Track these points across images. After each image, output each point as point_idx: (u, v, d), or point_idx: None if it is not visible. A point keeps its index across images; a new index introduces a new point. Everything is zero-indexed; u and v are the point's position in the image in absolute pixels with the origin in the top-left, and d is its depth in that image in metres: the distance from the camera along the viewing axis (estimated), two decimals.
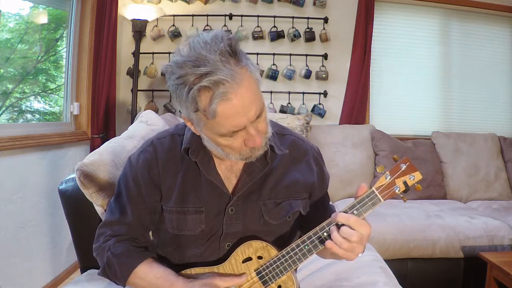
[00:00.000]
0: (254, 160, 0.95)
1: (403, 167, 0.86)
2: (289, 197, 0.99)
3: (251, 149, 0.86)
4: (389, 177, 0.86)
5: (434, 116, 3.33)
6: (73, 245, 1.32)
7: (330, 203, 1.11)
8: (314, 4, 3.10)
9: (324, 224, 0.88)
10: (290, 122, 2.73)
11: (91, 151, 1.65)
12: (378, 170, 0.87)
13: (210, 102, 0.76)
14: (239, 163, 0.97)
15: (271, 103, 3.08)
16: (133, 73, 2.88)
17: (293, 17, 3.03)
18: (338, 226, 0.84)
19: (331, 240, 0.83)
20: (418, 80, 3.29)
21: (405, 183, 0.86)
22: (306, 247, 0.88)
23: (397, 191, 0.86)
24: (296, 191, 0.99)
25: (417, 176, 0.86)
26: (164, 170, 0.97)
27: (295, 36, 3.04)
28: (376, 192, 0.86)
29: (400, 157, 0.88)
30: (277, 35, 3.04)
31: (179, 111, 0.90)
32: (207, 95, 0.76)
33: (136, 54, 2.85)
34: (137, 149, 1.03)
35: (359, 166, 2.79)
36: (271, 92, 3.06)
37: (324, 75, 3.11)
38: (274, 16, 3.02)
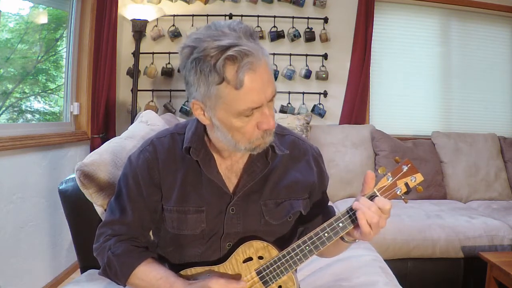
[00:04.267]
0: (255, 160, 0.95)
1: (405, 168, 0.86)
2: (289, 197, 0.99)
3: (262, 135, 0.86)
4: (391, 178, 0.86)
5: (434, 116, 3.33)
6: (73, 245, 1.32)
7: (330, 203, 1.11)
8: (314, 4, 3.10)
9: (325, 224, 0.88)
10: (290, 122, 2.73)
11: (91, 151, 1.65)
12: (379, 172, 0.87)
13: (237, 71, 0.77)
14: (240, 163, 0.97)
15: None
16: (133, 73, 2.88)
17: (293, 17, 3.03)
18: (352, 218, 0.86)
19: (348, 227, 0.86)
20: (418, 80, 3.29)
21: (406, 184, 0.86)
22: (307, 247, 0.88)
23: (398, 192, 0.86)
24: (297, 191, 0.99)
25: (419, 177, 0.86)
26: (164, 170, 0.97)
27: (295, 36, 3.04)
28: (378, 194, 0.86)
29: (401, 158, 0.88)
30: (277, 35, 3.04)
31: (187, 95, 0.88)
32: (233, 66, 0.77)
33: (136, 54, 2.85)
34: (137, 148, 1.03)
35: (359, 166, 2.79)
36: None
37: (324, 75, 3.11)
38: (274, 16, 3.02)
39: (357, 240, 0.92)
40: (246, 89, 0.78)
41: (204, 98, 0.83)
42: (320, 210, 1.05)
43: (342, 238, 0.92)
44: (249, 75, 0.78)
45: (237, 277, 0.92)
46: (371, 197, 0.85)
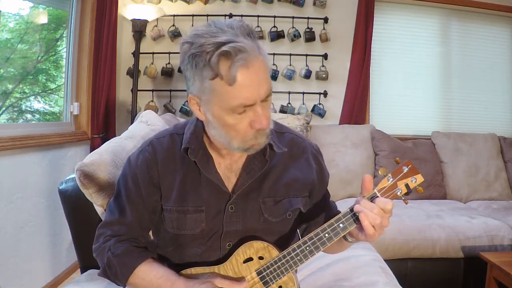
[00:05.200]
0: (253, 158, 0.95)
1: (405, 169, 0.86)
2: (288, 195, 0.99)
3: (255, 135, 0.86)
4: (391, 179, 0.86)
5: (434, 116, 3.33)
6: (73, 245, 1.32)
7: (331, 200, 1.11)
8: (314, 4, 3.10)
9: (325, 225, 0.88)
10: (290, 122, 2.73)
11: (91, 151, 1.65)
12: (380, 173, 0.87)
13: (230, 67, 0.78)
14: (239, 162, 0.97)
15: (271, 103, 3.07)
16: (133, 73, 2.88)
17: (293, 17, 3.03)
18: (353, 219, 0.86)
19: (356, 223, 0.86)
20: (418, 80, 3.29)
21: (407, 185, 0.86)
22: (307, 248, 0.88)
23: (398, 193, 0.86)
24: (296, 189, 0.99)
25: (419, 178, 0.86)
26: (163, 170, 0.97)
27: (295, 36, 3.04)
28: (378, 194, 0.86)
29: (401, 158, 0.88)
30: (277, 35, 3.04)
31: (187, 92, 0.89)
32: (227, 61, 0.78)
33: (136, 54, 2.85)
34: (137, 149, 1.03)
35: (359, 166, 2.79)
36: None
37: (324, 75, 3.11)
38: (274, 16, 3.02)
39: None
40: (238, 85, 0.79)
41: (199, 92, 0.84)
42: (322, 206, 1.05)
43: (345, 238, 0.92)
44: (242, 71, 0.78)
45: (239, 278, 0.92)
46: (372, 198, 0.86)
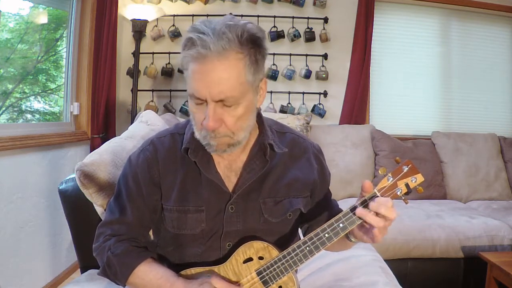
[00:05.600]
0: (254, 158, 0.96)
1: (405, 169, 0.86)
2: (289, 195, 0.99)
3: (206, 133, 0.86)
4: (391, 179, 0.86)
5: (434, 116, 3.33)
6: (73, 245, 1.32)
7: (333, 199, 1.11)
8: (314, 4, 3.10)
9: (325, 225, 0.88)
10: (290, 122, 2.73)
11: (91, 151, 1.65)
12: (380, 172, 0.87)
13: (189, 52, 0.81)
14: (238, 162, 0.97)
15: (271, 103, 3.08)
16: (133, 73, 2.88)
17: (293, 17, 3.03)
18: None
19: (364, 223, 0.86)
20: (418, 80, 3.29)
21: (407, 185, 0.86)
22: (307, 248, 0.88)
23: (398, 193, 0.86)
24: (297, 189, 0.99)
25: (419, 178, 0.86)
26: (164, 169, 0.97)
27: (295, 36, 3.04)
28: (378, 194, 0.86)
29: (401, 158, 0.88)
30: (277, 35, 3.04)
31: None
32: (191, 48, 0.81)
33: (136, 54, 2.85)
34: (137, 148, 1.03)
35: (359, 166, 2.79)
36: (271, 92, 3.06)
37: (324, 75, 3.11)
38: (274, 16, 3.02)
39: None
40: (190, 73, 0.83)
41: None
42: (324, 206, 1.05)
43: (347, 237, 0.92)
44: (194, 62, 0.81)
45: (237, 278, 0.92)
46: (372, 197, 0.86)
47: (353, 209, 0.86)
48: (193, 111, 0.87)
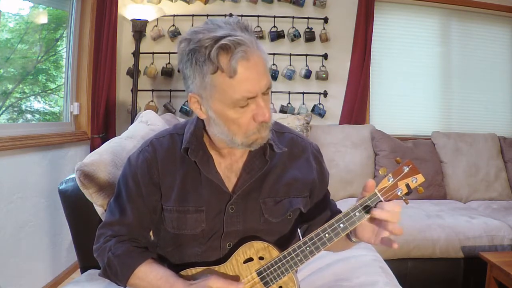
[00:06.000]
0: (254, 158, 0.96)
1: (406, 169, 0.86)
2: (289, 195, 0.99)
3: (258, 128, 0.86)
4: (392, 179, 0.86)
5: (434, 116, 3.33)
6: (73, 245, 1.32)
7: (331, 199, 1.11)
8: (314, 4, 3.10)
9: (326, 225, 0.88)
10: (290, 122, 2.73)
11: (91, 151, 1.65)
12: (380, 173, 0.87)
13: (230, 59, 0.78)
14: (239, 162, 0.97)
15: (271, 103, 3.07)
16: (133, 73, 2.88)
17: (293, 17, 3.03)
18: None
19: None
20: (418, 80, 3.29)
21: (407, 185, 0.86)
22: (307, 248, 0.88)
23: (399, 193, 0.86)
24: (296, 189, 1.00)
25: (420, 178, 0.86)
26: (164, 169, 0.97)
27: (295, 36, 3.04)
28: (379, 194, 0.86)
29: (401, 158, 0.88)
30: (277, 35, 3.04)
31: (186, 91, 0.89)
32: (227, 55, 0.78)
33: (136, 54, 2.85)
34: (136, 149, 1.03)
35: (359, 166, 2.79)
36: (271, 92, 3.05)
37: (324, 75, 3.11)
38: (274, 16, 3.02)
39: None
40: (239, 77, 0.79)
41: (200, 89, 0.84)
42: (323, 206, 1.05)
43: (348, 237, 0.92)
44: (242, 63, 0.79)
45: (237, 278, 0.92)
46: (372, 199, 0.86)
47: (354, 209, 0.86)
48: (235, 118, 0.84)
